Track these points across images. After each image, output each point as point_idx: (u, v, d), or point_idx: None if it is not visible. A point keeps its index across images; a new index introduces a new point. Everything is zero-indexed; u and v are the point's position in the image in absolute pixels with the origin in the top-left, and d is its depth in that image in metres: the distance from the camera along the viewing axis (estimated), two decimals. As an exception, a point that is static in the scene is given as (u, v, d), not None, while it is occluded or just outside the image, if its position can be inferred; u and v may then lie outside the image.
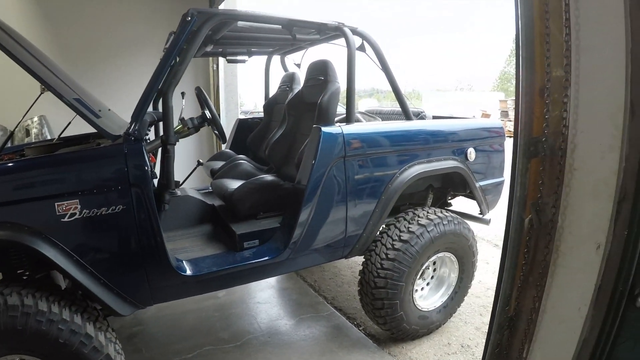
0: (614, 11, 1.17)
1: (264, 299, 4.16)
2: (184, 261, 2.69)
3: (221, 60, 6.80)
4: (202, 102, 3.24)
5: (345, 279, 4.59)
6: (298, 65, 4.57)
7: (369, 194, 3.10)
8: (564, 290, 1.43)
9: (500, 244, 5.49)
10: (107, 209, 2.28)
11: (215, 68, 6.94)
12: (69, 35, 5.95)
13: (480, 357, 3.21)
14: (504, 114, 23.43)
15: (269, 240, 2.96)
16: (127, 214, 2.33)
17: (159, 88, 2.63)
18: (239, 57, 4.79)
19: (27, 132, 5.52)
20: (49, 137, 5.45)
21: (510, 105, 23.42)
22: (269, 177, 3.31)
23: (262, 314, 3.86)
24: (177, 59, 2.69)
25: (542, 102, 1.35)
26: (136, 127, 2.38)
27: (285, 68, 4.87)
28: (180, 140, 2.84)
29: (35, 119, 5.60)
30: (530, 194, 1.43)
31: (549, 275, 1.45)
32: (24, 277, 2.60)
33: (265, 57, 4.88)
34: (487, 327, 3.54)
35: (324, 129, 2.87)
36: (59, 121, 5.06)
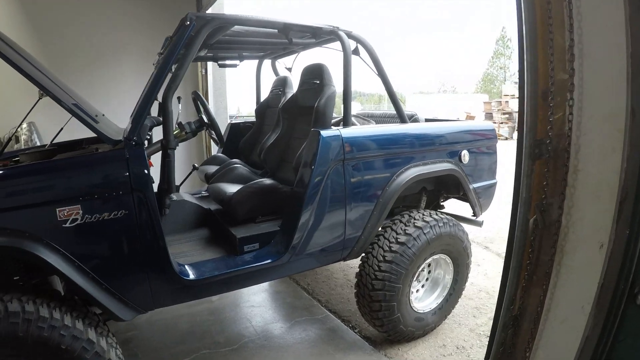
0: (614, 16, 1.21)
1: (258, 302, 4.16)
2: (185, 265, 2.68)
3: (210, 64, 6.79)
4: (200, 106, 3.23)
5: (339, 281, 4.61)
6: (289, 70, 4.58)
7: (367, 196, 3.11)
8: (567, 289, 1.46)
9: (491, 246, 5.54)
10: (109, 214, 2.26)
11: (203, 73, 6.90)
12: (56, 40, 5.90)
13: (476, 358, 3.26)
14: (488, 115, 23.62)
15: (269, 244, 2.96)
16: (129, 218, 2.32)
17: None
18: (230, 62, 4.79)
19: (17, 139, 5.47)
20: (38, 144, 5.39)
21: (495, 107, 23.63)
22: (267, 181, 3.31)
23: (257, 318, 3.85)
24: (176, 64, 2.69)
25: (546, 105, 1.38)
26: (137, 132, 2.37)
27: (276, 72, 4.88)
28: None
29: (25, 125, 5.54)
30: (534, 195, 1.46)
31: (553, 274, 1.47)
32: (21, 284, 2.57)
33: (256, 61, 4.88)
34: (481, 328, 3.60)
35: (323, 132, 2.88)
36: (48, 128, 5.02)
